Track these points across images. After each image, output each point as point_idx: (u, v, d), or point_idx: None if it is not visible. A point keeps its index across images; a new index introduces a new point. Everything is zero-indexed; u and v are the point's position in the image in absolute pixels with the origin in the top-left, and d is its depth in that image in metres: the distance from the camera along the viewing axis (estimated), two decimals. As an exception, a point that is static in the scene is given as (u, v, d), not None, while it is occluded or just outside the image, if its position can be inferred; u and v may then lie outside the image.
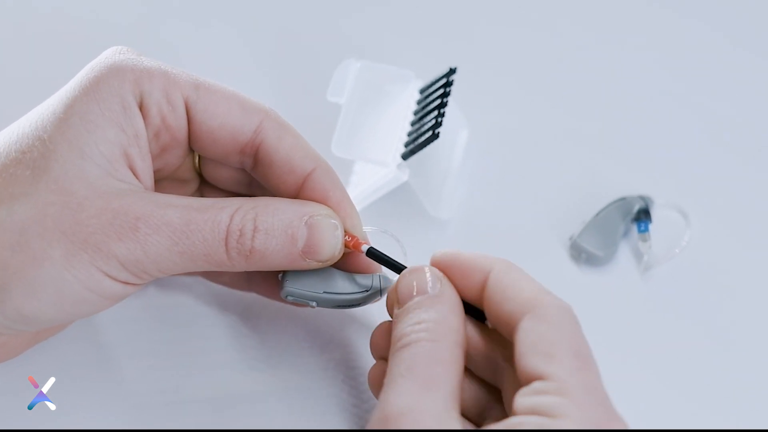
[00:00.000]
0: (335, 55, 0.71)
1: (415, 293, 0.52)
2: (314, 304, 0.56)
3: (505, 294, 0.51)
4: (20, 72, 0.75)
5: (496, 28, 0.79)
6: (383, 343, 0.54)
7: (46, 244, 0.50)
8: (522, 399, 0.47)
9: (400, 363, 0.50)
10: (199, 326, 0.62)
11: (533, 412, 0.46)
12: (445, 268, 0.54)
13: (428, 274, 0.53)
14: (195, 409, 0.59)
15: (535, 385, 0.47)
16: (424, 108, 0.66)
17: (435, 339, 0.50)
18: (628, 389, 0.61)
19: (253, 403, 0.59)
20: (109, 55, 0.55)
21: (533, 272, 0.66)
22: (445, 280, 0.53)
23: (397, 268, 0.55)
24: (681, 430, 0.61)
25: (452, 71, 0.65)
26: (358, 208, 0.66)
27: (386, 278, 0.57)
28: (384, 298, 0.56)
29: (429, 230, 0.68)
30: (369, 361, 0.60)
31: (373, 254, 0.56)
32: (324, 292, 0.56)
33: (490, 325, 0.53)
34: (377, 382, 0.55)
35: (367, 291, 0.56)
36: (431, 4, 0.80)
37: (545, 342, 0.48)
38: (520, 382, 0.48)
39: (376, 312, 0.61)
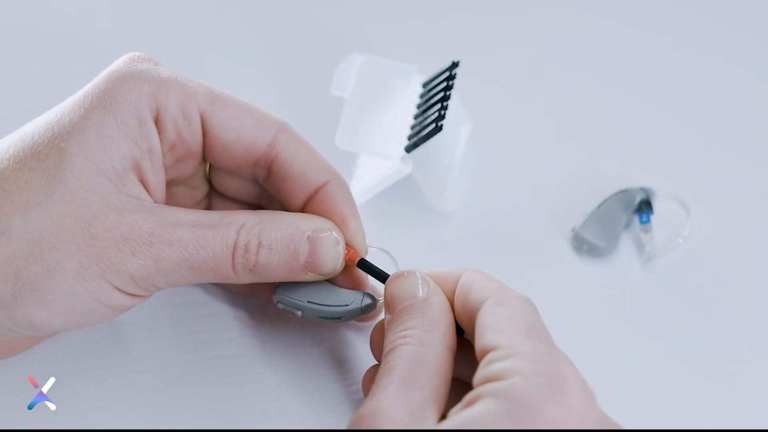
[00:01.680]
0: (339, 51, 0.71)
1: (403, 298, 0.53)
2: (299, 313, 0.57)
3: (472, 287, 0.52)
4: (27, 73, 0.75)
5: (496, 24, 0.80)
6: (380, 341, 0.55)
7: (60, 256, 0.51)
8: (478, 373, 0.48)
9: (383, 366, 0.51)
10: (204, 324, 0.63)
11: (487, 380, 0.47)
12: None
13: (414, 279, 0.54)
14: (199, 409, 0.60)
15: (488, 355, 0.48)
16: (427, 101, 0.66)
17: (421, 344, 0.51)
18: (629, 378, 0.63)
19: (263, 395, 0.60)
20: (127, 63, 0.55)
21: (536, 263, 0.67)
22: (433, 284, 0.54)
23: (386, 279, 0.56)
24: (672, 430, 0.61)
25: (455, 65, 0.66)
26: (362, 200, 0.68)
27: (371, 296, 0.58)
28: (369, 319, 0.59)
29: (433, 223, 0.68)
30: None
31: (364, 265, 0.57)
32: (308, 302, 0.57)
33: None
34: (368, 383, 0.56)
35: (346, 306, 0.57)
36: (434, 1, 0.81)
37: (499, 320, 0.49)
38: (479, 361, 0.49)
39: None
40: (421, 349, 0.50)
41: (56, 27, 0.78)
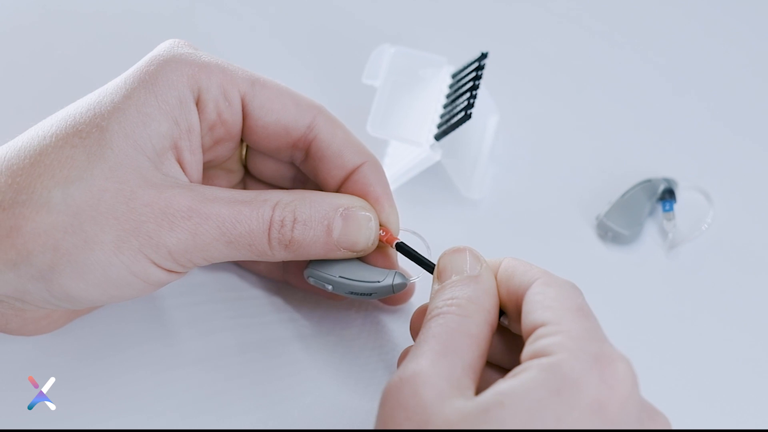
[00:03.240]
0: (370, 42, 0.73)
1: (454, 272, 0.54)
2: (330, 287, 0.58)
3: (515, 272, 0.53)
4: (69, 65, 0.77)
5: (522, 17, 0.81)
6: (420, 325, 0.55)
7: (99, 228, 0.52)
8: (526, 348, 0.49)
9: (426, 331, 0.51)
10: (240, 309, 0.64)
11: (534, 355, 0.48)
12: None
13: (469, 256, 0.54)
14: (237, 388, 0.61)
15: (537, 331, 0.49)
16: (456, 91, 0.67)
17: (465, 314, 0.51)
18: (652, 363, 0.63)
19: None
20: (168, 48, 0.56)
21: (561, 249, 0.68)
22: (485, 264, 0.54)
23: (424, 263, 0.57)
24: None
25: (484, 56, 0.67)
26: (392, 187, 0.68)
27: (402, 276, 0.58)
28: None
29: (461, 210, 0.70)
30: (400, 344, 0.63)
31: (402, 248, 0.58)
32: (339, 277, 0.58)
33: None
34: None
35: (378, 282, 0.58)
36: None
37: (549, 299, 0.50)
38: (525, 338, 0.50)
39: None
40: (465, 319, 0.51)
41: (81, 23, 0.80)
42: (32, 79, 0.75)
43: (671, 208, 0.69)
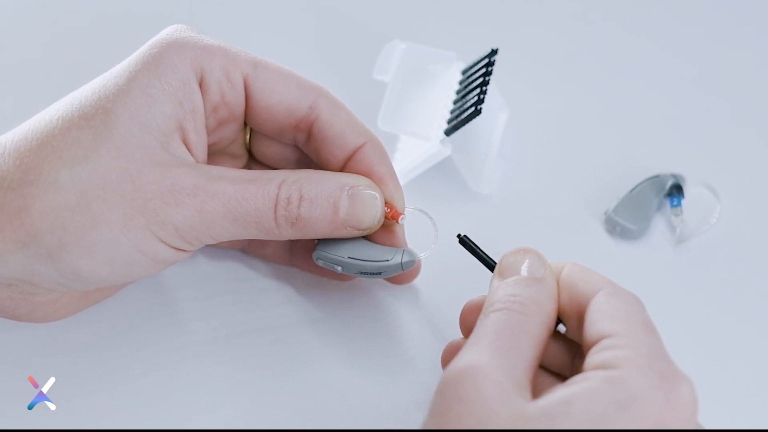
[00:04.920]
0: (381, 38, 0.73)
1: (517, 271, 0.53)
2: (339, 268, 0.59)
3: (580, 277, 0.53)
4: (73, 55, 0.77)
5: (533, 16, 0.82)
6: (472, 320, 0.54)
7: (106, 207, 0.52)
8: (590, 357, 0.48)
9: (486, 325, 0.50)
10: (251, 296, 0.64)
11: (599, 366, 0.47)
12: None
13: (535, 258, 0.54)
14: (252, 369, 0.62)
15: (603, 342, 0.48)
16: (466, 87, 0.68)
17: (526, 313, 0.51)
18: None
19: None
20: (171, 32, 0.57)
21: (570, 244, 0.69)
22: (549, 268, 0.54)
23: (485, 260, 0.57)
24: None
25: (494, 52, 0.68)
26: (402, 182, 0.69)
27: (410, 253, 0.59)
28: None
29: (470, 204, 0.70)
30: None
31: (465, 243, 0.58)
32: (348, 257, 0.58)
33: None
34: (451, 357, 0.55)
35: (387, 261, 0.58)
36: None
37: (616, 311, 0.49)
38: (589, 347, 0.49)
39: (430, 288, 0.65)
40: (526, 318, 0.50)
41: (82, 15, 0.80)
42: (32, 79, 0.75)
43: (679, 204, 0.69)
